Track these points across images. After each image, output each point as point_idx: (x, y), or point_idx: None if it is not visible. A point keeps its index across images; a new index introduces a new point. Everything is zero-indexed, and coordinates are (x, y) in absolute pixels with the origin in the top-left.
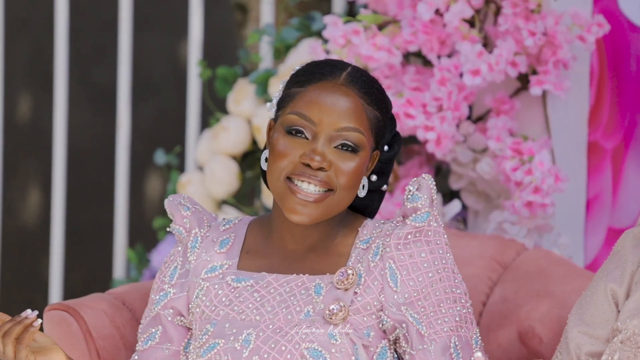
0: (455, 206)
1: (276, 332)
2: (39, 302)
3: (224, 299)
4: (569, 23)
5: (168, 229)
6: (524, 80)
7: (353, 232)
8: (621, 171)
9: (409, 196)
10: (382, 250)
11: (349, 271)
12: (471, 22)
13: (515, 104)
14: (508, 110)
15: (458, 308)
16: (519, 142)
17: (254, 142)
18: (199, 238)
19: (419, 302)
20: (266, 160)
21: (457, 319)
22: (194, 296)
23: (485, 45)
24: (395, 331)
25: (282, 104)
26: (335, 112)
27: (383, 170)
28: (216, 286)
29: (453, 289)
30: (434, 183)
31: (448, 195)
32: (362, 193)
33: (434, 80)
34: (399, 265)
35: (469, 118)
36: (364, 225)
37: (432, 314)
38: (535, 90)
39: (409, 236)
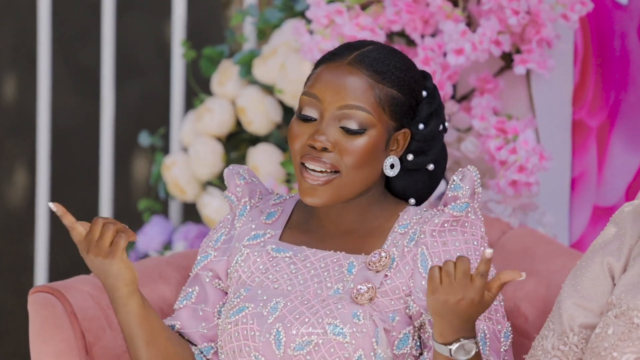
0: (440, 186)
1: (303, 303)
2: (25, 284)
3: (261, 267)
4: (552, 1)
5: (223, 195)
6: (507, 59)
7: (394, 217)
8: (606, 149)
9: (452, 185)
10: (417, 236)
11: (382, 254)
12: (454, 1)
13: (499, 83)
14: (492, 90)
15: None
16: (503, 121)
17: (239, 124)
18: (248, 207)
19: None
20: None
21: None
22: (234, 261)
23: (468, 24)
24: (420, 317)
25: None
26: (338, 90)
27: (423, 149)
28: (256, 254)
29: None
30: (479, 176)
31: None
32: (390, 172)
33: (418, 60)
34: (431, 252)
35: (453, 97)
36: (405, 210)
37: None
38: (519, 69)
39: (445, 224)
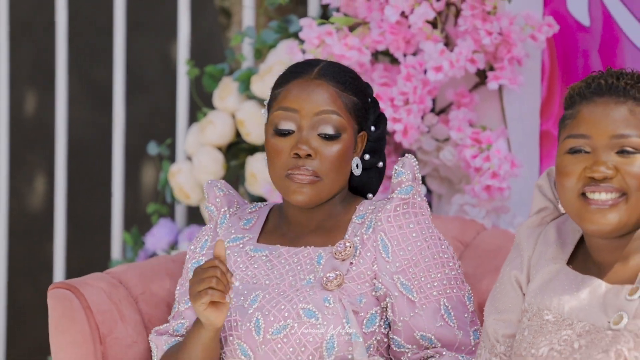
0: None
1: (280, 294)
2: (44, 281)
3: (241, 265)
4: (522, 23)
5: (204, 207)
6: (482, 76)
7: (351, 210)
8: None
9: (395, 173)
10: (374, 224)
11: (347, 244)
12: (434, 24)
13: (474, 98)
14: (468, 103)
15: (446, 271)
16: (478, 132)
17: (238, 134)
18: (228, 215)
19: (409, 269)
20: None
21: (444, 282)
22: None
23: (446, 44)
24: (386, 299)
25: (269, 107)
26: (313, 100)
27: (375, 148)
28: (236, 254)
29: (440, 254)
30: (417, 162)
31: None
32: (357, 172)
33: (401, 77)
34: (389, 237)
35: (432, 110)
36: (361, 203)
37: (422, 279)
38: (492, 84)
39: (398, 208)
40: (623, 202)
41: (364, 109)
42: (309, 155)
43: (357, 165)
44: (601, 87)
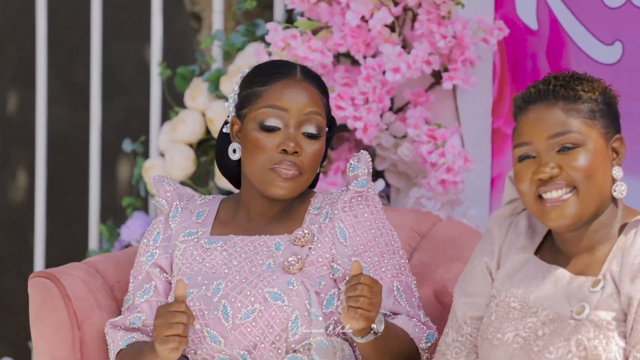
0: (379, 184)
1: (242, 281)
2: (25, 271)
3: (197, 258)
4: (474, 27)
5: (154, 202)
6: (437, 77)
7: (306, 202)
8: None
9: (351, 167)
10: (331, 214)
11: (306, 231)
12: (392, 27)
13: (430, 97)
14: (424, 102)
15: (397, 258)
16: (434, 129)
17: (208, 132)
18: (179, 209)
19: (365, 253)
20: (234, 151)
21: (397, 267)
22: (175, 257)
23: (404, 46)
24: (344, 279)
25: (247, 103)
26: (301, 100)
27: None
28: (191, 247)
29: (392, 243)
30: (370, 158)
31: (374, 175)
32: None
33: (361, 77)
34: (346, 225)
35: (391, 109)
36: (315, 196)
37: (377, 263)
38: (446, 84)
39: (353, 200)
40: (574, 196)
41: (330, 111)
42: (296, 152)
43: None
44: (531, 95)
